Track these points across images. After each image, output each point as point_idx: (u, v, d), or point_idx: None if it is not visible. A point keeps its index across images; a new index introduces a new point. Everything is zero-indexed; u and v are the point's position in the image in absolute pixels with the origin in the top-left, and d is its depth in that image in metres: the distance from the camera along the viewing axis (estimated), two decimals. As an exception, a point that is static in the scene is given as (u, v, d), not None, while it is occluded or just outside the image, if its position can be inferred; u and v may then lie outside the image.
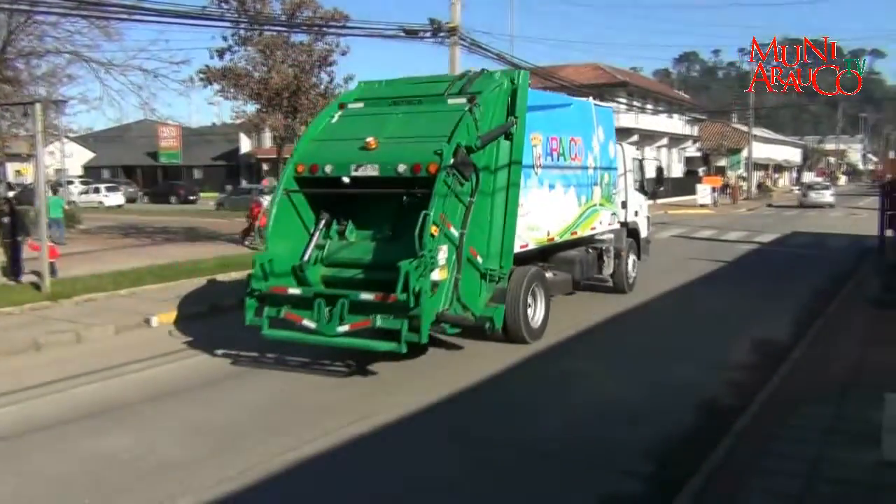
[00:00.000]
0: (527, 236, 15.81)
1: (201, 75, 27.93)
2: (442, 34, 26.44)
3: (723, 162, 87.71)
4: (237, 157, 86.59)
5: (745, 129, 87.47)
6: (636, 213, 22.05)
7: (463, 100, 14.58)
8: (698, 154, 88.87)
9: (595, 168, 19.11)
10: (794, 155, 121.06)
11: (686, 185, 72.40)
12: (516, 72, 15.30)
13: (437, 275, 13.04)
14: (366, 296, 13.19)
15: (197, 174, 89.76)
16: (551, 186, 16.86)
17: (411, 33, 25.43)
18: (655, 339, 15.84)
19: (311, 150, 14.79)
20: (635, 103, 68.83)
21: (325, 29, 27.36)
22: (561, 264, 17.84)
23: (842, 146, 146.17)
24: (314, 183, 14.59)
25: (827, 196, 65.01)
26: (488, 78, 15.13)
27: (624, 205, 21.09)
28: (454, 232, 13.55)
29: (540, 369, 13.75)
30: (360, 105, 15.57)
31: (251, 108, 28.97)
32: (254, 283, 13.97)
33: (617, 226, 20.62)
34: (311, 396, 12.35)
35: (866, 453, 9.22)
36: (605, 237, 19.95)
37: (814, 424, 10.18)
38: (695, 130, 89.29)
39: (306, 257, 14.44)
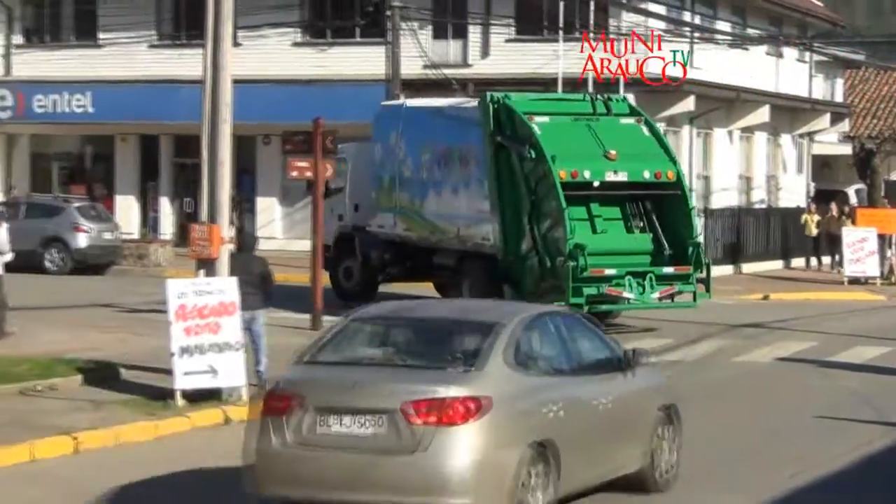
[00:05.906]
0: None
1: None
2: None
3: None
4: None
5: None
6: None
7: (631, 120, 20.27)
8: (843, 147, 42.36)
9: None
10: None
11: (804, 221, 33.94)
12: (633, 106, 21.41)
13: None
14: (668, 269, 18.92)
15: None
16: None
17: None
18: None
19: (562, 159, 18.59)
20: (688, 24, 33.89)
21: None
22: None
23: None
24: (569, 186, 18.59)
25: None
26: (621, 100, 21.41)
27: None
28: None
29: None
30: (547, 119, 19.55)
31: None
32: (581, 263, 18.01)
33: None
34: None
35: None
36: None
37: None
38: (836, 90, 44.87)
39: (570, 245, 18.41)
